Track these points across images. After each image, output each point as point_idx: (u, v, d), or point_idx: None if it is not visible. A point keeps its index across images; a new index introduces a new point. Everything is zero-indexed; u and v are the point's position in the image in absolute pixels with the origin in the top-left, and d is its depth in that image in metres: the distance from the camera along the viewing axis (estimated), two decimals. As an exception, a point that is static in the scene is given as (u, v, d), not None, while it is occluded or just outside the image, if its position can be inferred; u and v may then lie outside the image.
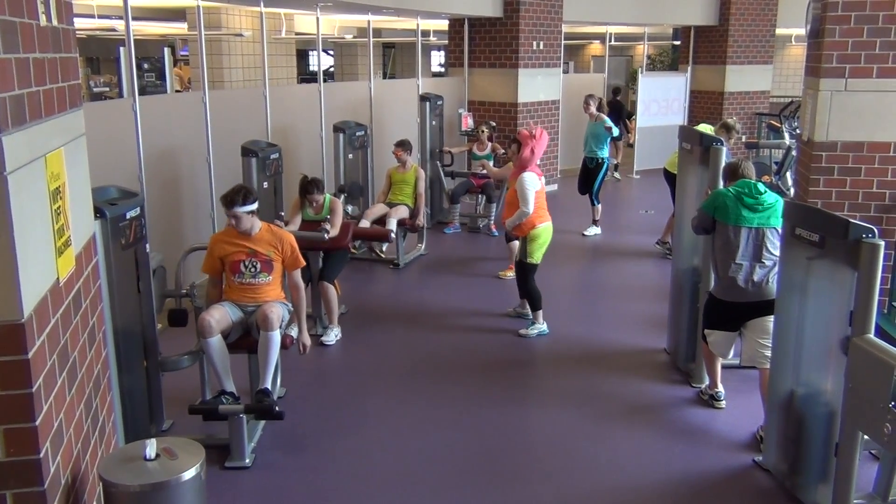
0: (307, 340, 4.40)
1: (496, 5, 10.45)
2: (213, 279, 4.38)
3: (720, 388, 4.65)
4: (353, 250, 7.56)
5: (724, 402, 4.62)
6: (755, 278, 4.16)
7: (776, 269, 4.06)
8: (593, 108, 8.76)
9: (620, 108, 13.92)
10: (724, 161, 4.66)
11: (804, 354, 3.69)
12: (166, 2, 10.26)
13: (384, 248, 7.86)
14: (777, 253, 4.06)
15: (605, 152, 8.72)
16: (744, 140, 12.06)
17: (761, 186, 4.20)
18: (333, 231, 5.56)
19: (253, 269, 4.24)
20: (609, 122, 8.65)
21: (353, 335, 5.81)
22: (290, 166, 7.06)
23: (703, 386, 4.82)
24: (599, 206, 8.89)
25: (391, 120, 9.57)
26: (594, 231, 8.88)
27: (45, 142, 2.39)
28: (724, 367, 4.69)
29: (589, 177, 8.83)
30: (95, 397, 2.88)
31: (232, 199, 4.15)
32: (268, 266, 4.27)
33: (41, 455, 2.22)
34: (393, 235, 6.97)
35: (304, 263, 4.48)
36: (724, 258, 4.22)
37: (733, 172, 4.42)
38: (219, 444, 4.03)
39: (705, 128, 7.20)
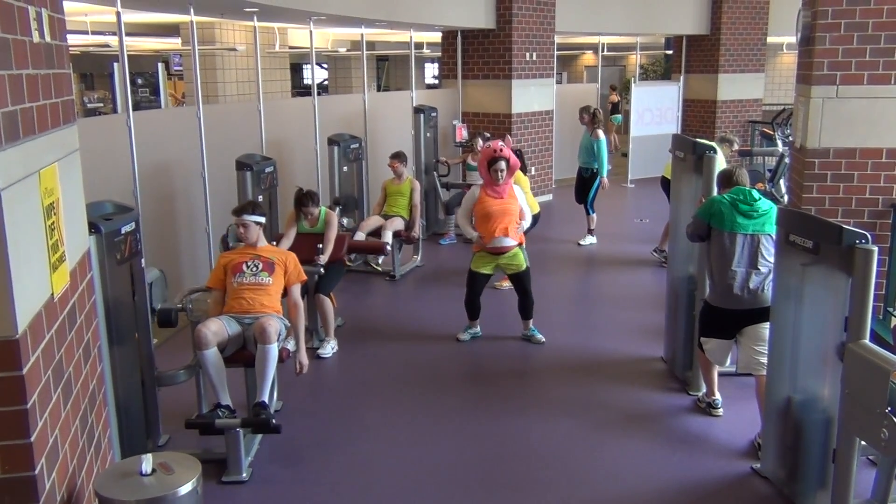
0: (305, 360, 4.40)
1: (489, 17, 10.50)
2: (217, 295, 4.44)
3: (717, 395, 4.65)
4: (347, 263, 7.57)
5: (721, 409, 4.62)
6: (751, 285, 4.16)
7: (771, 276, 4.07)
8: (588, 119, 8.79)
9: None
10: (717, 169, 4.68)
11: (800, 361, 3.70)
12: (160, 17, 10.29)
13: (380, 261, 7.87)
14: (772, 260, 4.06)
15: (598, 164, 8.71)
16: (736, 148, 12.11)
17: (755, 193, 4.22)
18: (325, 256, 5.59)
19: (254, 269, 4.43)
20: (603, 149, 8.65)
21: (349, 347, 5.80)
22: (285, 179, 7.07)
23: (701, 394, 4.82)
24: (594, 216, 8.90)
25: (385, 132, 9.58)
26: (590, 240, 8.88)
27: (39, 157, 2.39)
28: (720, 374, 4.69)
29: (584, 186, 8.85)
30: (91, 413, 2.88)
31: (242, 207, 4.60)
32: (269, 267, 4.45)
33: (36, 472, 2.21)
34: (388, 248, 6.97)
35: (305, 278, 4.69)
36: (720, 265, 4.22)
37: (728, 180, 4.44)
38: (216, 458, 4.01)
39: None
